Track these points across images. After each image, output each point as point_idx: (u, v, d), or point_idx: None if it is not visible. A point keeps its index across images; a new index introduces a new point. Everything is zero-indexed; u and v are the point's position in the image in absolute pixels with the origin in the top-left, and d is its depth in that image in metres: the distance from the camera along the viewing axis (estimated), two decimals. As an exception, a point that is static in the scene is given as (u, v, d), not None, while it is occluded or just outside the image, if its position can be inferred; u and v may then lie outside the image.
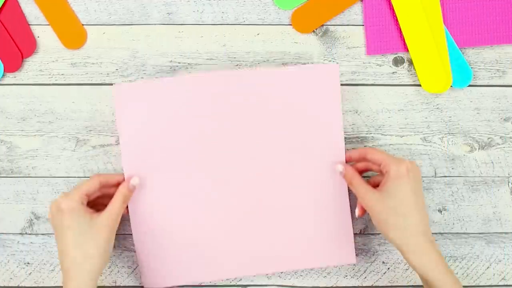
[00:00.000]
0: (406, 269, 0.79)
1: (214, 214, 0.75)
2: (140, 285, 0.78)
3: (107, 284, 0.78)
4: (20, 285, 0.78)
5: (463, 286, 0.78)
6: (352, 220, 0.76)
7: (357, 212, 0.73)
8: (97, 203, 0.73)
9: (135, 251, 0.77)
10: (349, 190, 0.75)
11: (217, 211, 0.75)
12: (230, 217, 0.75)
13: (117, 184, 0.73)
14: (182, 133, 0.73)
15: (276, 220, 0.75)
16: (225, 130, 0.74)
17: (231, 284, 0.78)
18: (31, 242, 0.78)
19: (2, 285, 0.78)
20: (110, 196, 0.72)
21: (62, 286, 0.78)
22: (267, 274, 0.78)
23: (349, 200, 0.76)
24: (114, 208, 0.70)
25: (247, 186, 0.74)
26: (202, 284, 0.78)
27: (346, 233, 0.76)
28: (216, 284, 0.78)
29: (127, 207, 0.74)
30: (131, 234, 0.77)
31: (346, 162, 0.74)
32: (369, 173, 0.77)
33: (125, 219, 0.78)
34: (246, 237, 0.75)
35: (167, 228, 0.74)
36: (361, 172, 0.74)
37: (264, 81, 0.73)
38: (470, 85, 0.78)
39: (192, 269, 0.75)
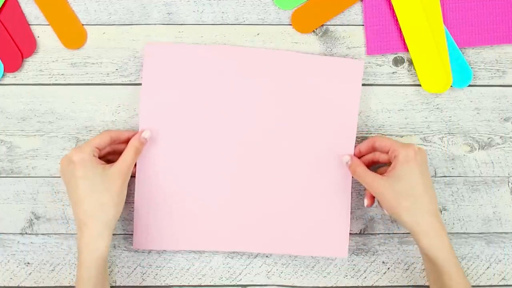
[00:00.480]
0: (406, 269, 0.79)
1: (218, 185, 0.76)
2: (140, 285, 0.78)
3: (107, 284, 0.78)
4: (20, 285, 0.78)
5: (463, 286, 0.79)
6: (353, 212, 0.76)
7: (366, 202, 0.74)
8: (107, 159, 0.74)
9: (135, 251, 0.77)
10: (352, 186, 0.75)
11: (221, 182, 0.76)
12: (232, 190, 0.76)
13: (127, 140, 0.73)
14: (201, 99, 0.75)
15: (277, 201, 0.76)
16: (241, 104, 0.75)
17: (231, 284, 0.78)
18: (31, 242, 0.78)
19: (2, 285, 0.78)
20: (119, 152, 0.72)
21: (62, 286, 0.78)
22: (257, 253, 0.78)
23: (351, 197, 0.76)
24: (126, 159, 0.71)
25: (254, 161, 0.76)
26: (202, 284, 0.78)
27: (343, 226, 0.76)
28: (216, 284, 0.78)
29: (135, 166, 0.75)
30: (131, 234, 0.77)
31: (356, 156, 0.75)
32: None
33: (125, 220, 0.78)
34: (245, 213, 0.76)
35: (169, 192, 0.75)
36: (368, 165, 0.74)
37: (290, 64, 0.75)
38: (470, 85, 0.78)
39: (186, 236, 0.76)
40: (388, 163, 0.73)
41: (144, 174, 0.75)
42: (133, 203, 0.77)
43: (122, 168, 0.70)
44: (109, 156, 0.74)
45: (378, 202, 0.73)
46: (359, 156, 0.75)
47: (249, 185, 0.76)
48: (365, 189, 0.75)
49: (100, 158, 0.72)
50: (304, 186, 0.76)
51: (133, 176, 0.74)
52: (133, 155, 0.71)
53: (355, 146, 0.75)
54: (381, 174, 0.72)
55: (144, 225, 0.76)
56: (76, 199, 0.68)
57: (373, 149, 0.74)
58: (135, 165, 0.75)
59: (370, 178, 0.70)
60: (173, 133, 0.75)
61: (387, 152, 0.72)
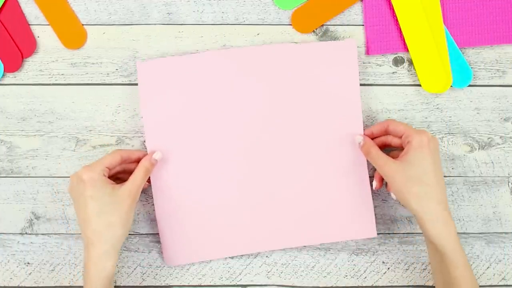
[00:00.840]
0: (406, 269, 0.79)
1: (234, 188, 0.76)
2: (140, 285, 0.78)
3: (107, 284, 0.78)
4: (20, 285, 0.78)
5: (463, 286, 0.79)
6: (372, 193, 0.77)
7: (375, 184, 0.74)
8: (116, 177, 0.74)
9: (135, 251, 0.77)
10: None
11: (237, 185, 0.76)
12: (249, 191, 0.76)
13: (138, 160, 0.73)
14: (202, 107, 0.75)
15: (296, 194, 0.76)
16: (243, 105, 0.75)
17: (231, 284, 0.78)
18: (31, 242, 0.78)
19: (2, 285, 0.78)
20: (130, 172, 0.72)
21: (62, 286, 0.78)
22: (284, 249, 0.78)
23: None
24: (135, 180, 0.70)
25: (266, 159, 0.76)
26: (202, 284, 0.78)
27: (366, 207, 0.76)
28: (216, 284, 0.78)
29: (149, 181, 0.75)
30: (131, 234, 0.77)
31: (368, 137, 0.75)
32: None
33: (125, 219, 0.78)
34: (265, 212, 0.76)
35: (188, 205, 0.75)
36: (380, 147, 0.74)
37: (283, 56, 0.75)
38: (470, 85, 0.78)
39: (213, 244, 0.76)
40: (400, 148, 0.72)
41: (160, 192, 0.75)
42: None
43: (131, 188, 0.69)
44: (119, 175, 0.74)
45: (387, 185, 0.73)
46: (372, 137, 0.75)
47: (265, 183, 0.76)
48: (374, 172, 0.75)
49: (109, 177, 0.71)
50: (320, 174, 0.76)
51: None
52: (143, 176, 0.71)
53: (368, 128, 0.75)
54: (394, 157, 0.71)
55: (170, 242, 0.76)
56: (84, 217, 0.68)
57: (386, 133, 0.74)
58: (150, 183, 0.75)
59: (382, 161, 0.70)
60: (181, 146, 0.75)
61: (400, 137, 0.72)
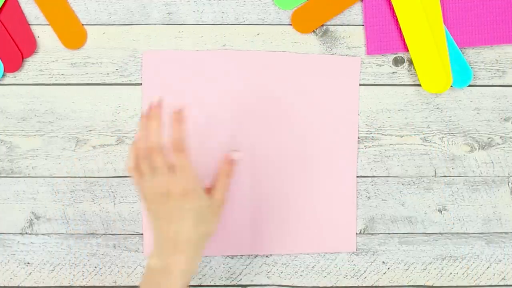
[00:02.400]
0: (406, 269, 0.79)
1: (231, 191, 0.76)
2: (140, 285, 0.78)
3: (107, 284, 0.78)
4: (20, 285, 0.78)
5: (463, 286, 0.79)
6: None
7: None
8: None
9: (135, 251, 0.78)
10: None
11: (234, 189, 0.76)
12: (245, 194, 0.76)
13: None
14: (204, 104, 0.75)
15: (289, 202, 0.77)
16: (244, 106, 0.76)
17: (231, 284, 0.78)
18: (31, 242, 0.78)
19: (2, 285, 0.78)
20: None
21: (62, 286, 0.78)
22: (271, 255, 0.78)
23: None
24: (223, 188, 0.70)
25: (263, 165, 0.76)
26: (202, 284, 0.78)
27: (349, 223, 0.77)
28: (216, 284, 0.78)
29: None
30: (131, 234, 0.77)
31: None
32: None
33: (125, 220, 0.78)
34: (263, 217, 0.77)
35: None
36: None
37: (290, 65, 0.76)
38: (470, 85, 0.78)
39: (217, 242, 0.77)
40: None
41: None
42: (134, 203, 0.77)
43: (222, 198, 0.70)
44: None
45: None
46: None
47: (260, 188, 0.76)
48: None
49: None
50: (312, 185, 0.77)
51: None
52: (228, 182, 0.71)
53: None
54: None
55: None
56: (177, 229, 0.66)
57: None
58: None
59: None
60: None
61: None
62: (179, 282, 0.66)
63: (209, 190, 0.70)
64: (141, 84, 0.76)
